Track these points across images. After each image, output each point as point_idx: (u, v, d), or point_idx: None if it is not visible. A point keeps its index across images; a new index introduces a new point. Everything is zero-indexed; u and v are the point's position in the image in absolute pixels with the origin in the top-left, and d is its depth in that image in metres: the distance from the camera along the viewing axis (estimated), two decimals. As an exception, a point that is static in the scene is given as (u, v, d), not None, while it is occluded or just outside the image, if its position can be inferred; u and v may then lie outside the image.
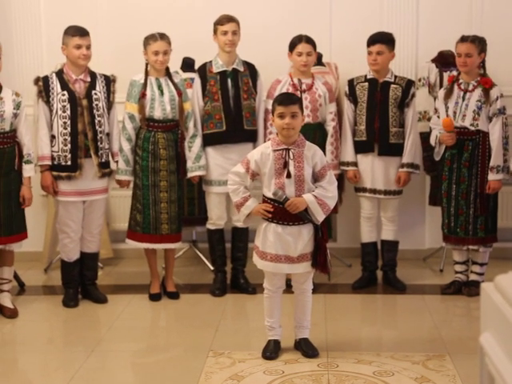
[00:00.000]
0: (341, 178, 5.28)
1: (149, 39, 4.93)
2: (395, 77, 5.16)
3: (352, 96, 5.18)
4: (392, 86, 5.11)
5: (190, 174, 5.06)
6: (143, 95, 4.92)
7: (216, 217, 5.20)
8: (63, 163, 4.86)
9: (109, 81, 4.97)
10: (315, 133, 5.05)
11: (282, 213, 3.85)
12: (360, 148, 5.19)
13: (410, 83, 5.17)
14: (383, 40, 5.04)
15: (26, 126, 4.77)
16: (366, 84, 5.14)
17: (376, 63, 5.05)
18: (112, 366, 4.02)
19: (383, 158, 5.15)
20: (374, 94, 5.11)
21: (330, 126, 5.15)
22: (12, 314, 4.76)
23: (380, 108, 5.10)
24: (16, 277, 5.25)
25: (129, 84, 4.99)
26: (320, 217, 3.84)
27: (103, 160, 4.92)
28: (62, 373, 3.88)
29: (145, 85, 4.95)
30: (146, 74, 4.98)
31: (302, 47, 4.99)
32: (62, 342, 4.51)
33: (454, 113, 4.90)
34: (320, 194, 3.84)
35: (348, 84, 5.22)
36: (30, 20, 5.92)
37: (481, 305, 1.92)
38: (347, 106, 5.21)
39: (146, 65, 4.99)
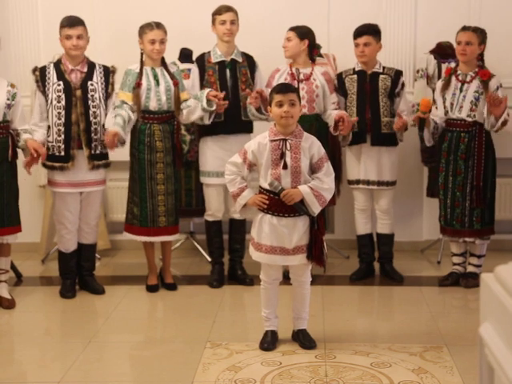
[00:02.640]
0: (338, 170, 5.27)
1: (145, 28, 4.90)
2: (383, 67, 5.16)
3: (341, 89, 5.17)
4: (381, 76, 5.11)
5: (204, 101, 4.88)
6: (138, 85, 4.89)
7: (214, 209, 5.18)
8: (57, 153, 4.83)
9: (108, 71, 4.93)
10: (311, 124, 5.01)
11: (277, 204, 3.83)
12: (352, 139, 5.16)
13: (398, 73, 5.17)
14: (369, 31, 5.05)
15: (24, 118, 4.75)
16: (355, 76, 5.14)
17: (364, 55, 5.05)
18: (109, 357, 4.01)
19: (376, 149, 5.14)
20: (363, 85, 5.11)
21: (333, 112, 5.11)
22: (9, 304, 4.75)
23: (370, 99, 5.09)
24: (13, 267, 5.25)
25: (124, 73, 4.96)
26: (316, 209, 3.82)
27: (97, 152, 4.88)
28: (59, 364, 3.88)
29: (140, 74, 4.93)
30: (142, 63, 4.96)
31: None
32: (59, 333, 4.51)
33: (452, 104, 4.89)
34: (316, 185, 3.82)
35: (337, 78, 5.22)
36: (27, 9, 5.89)
37: (480, 295, 1.92)
38: (338, 98, 5.18)
39: (141, 54, 4.96)
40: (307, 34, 5.06)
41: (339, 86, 5.18)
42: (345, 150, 5.33)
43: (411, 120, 4.99)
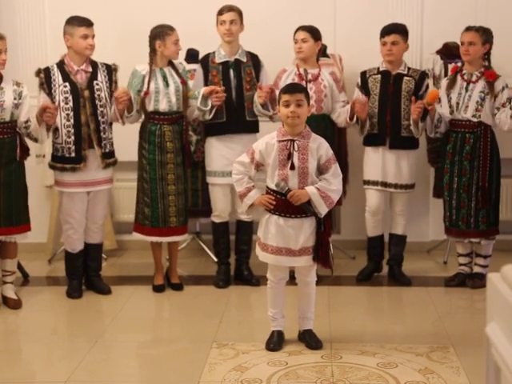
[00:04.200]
0: (345, 171, 5.26)
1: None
2: (408, 69, 5.09)
3: (364, 88, 5.11)
4: (405, 78, 5.04)
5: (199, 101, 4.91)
6: (145, 94, 4.89)
7: (220, 209, 5.18)
8: (67, 155, 4.84)
9: (110, 70, 4.94)
10: (319, 124, 4.99)
11: (284, 205, 3.83)
12: (371, 141, 5.13)
13: (423, 75, 5.10)
14: (398, 30, 4.99)
15: (31, 113, 4.74)
16: (379, 76, 5.07)
17: (391, 53, 4.99)
18: (115, 356, 4.02)
19: (394, 152, 5.08)
20: (386, 86, 5.04)
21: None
22: (16, 304, 4.76)
23: (392, 101, 5.02)
24: (20, 268, 5.26)
25: (131, 73, 4.97)
26: (323, 210, 3.81)
27: (107, 150, 4.91)
28: (66, 363, 3.88)
29: (149, 77, 4.91)
30: (151, 64, 4.96)
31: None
32: (65, 333, 4.52)
33: (457, 103, 4.88)
34: (323, 186, 3.81)
35: (360, 76, 5.15)
36: (34, 11, 5.91)
37: (487, 295, 1.92)
38: (357, 95, 5.11)
39: (150, 55, 4.97)
40: (320, 34, 5.04)
41: (362, 85, 5.12)
42: (363, 149, 5.23)
43: (416, 108, 4.85)
